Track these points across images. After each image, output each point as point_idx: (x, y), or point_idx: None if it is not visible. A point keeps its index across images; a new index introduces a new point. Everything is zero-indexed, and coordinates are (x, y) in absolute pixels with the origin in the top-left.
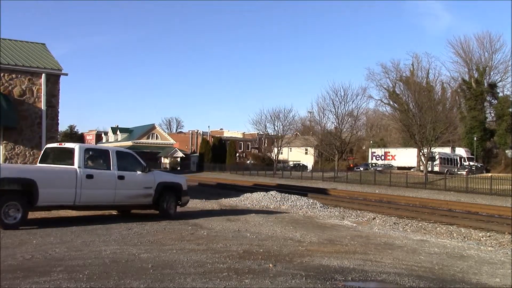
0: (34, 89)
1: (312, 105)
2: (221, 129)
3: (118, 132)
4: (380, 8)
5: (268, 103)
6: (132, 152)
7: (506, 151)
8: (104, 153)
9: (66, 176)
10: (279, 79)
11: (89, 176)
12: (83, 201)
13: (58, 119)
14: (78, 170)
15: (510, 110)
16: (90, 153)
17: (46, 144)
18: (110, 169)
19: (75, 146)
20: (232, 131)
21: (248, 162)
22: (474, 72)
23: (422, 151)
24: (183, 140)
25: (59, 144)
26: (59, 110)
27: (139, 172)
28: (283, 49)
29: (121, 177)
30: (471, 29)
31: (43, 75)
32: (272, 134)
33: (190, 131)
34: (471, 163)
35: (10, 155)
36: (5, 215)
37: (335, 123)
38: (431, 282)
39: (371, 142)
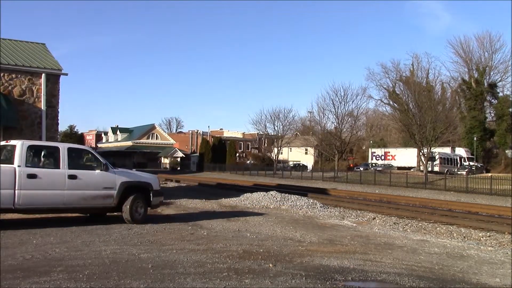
0: (34, 89)
1: (312, 105)
2: (221, 129)
3: (118, 132)
4: (380, 8)
5: (268, 103)
6: (89, 149)
7: (506, 151)
8: (54, 150)
9: (1, 176)
10: (279, 79)
11: (32, 176)
12: (24, 204)
13: (58, 119)
14: (17, 169)
15: (510, 110)
16: (36, 150)
17: None
18: (60, 168)
19: (17, 143)
20: (232, 131)
21: (248, 162)
22: (474, 72)
23: (422, 151)
24: (183, 140)
25: (6, 142)
26: (59, 110)
27: (97, 171)
28: (283, 49)
29: (72, 177)
30: (471, 29)
31: (43, 75)
32: (272, 134)
33: (190, 131)
34: (471, 163)
35: None
36: None
37: (335, 123)
38: (431, 282)
39: (371, 142)
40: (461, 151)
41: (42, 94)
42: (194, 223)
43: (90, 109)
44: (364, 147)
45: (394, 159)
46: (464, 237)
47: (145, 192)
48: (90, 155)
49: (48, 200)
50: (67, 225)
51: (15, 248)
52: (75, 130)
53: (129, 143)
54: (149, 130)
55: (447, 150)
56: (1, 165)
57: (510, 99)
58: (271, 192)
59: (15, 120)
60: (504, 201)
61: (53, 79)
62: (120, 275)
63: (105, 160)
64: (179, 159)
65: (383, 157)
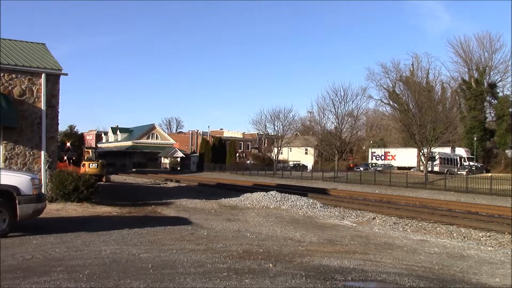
0: (34, 89)
1: (312, 105)
2: (221, 129)
3: (118, 132)
4: (380, 8)
5: (268, 103)
6: None
7: (506, 151)
8: None
9: None
10: (279, 79)
11: None
12: None
13: (58, 119)
14: None
15: (510, 110)
16: None
17: (46, 144)
18: None
19: None
20: (232, 131)
21: (248, 162)
22: (474, 72)
23: (422, 151)
24: (183, 140)
25: None
26: (59, 110)
27: None
28: (283, 49)
29: None
30: (471, 29)
31: (43, 75)
32: (272, 134)
33: (190, 131)
34: (471, 163)
35: (10, 155)
36: None
37: (335, 123)
38: (431, 282)
39: (371, 142)
40: (461, 151)
41: (42, 94)
42: (194, 223)
43: (90, 109)
44: (364, 147)
45: (394, 159)
46: (464, 237)
47: (9, 199)
48: None
49: None
50: (67, 225)
51: (15, 248)
52: (75, 130)
53: (129, 143)
54: (149, 130)
55: (447, 150)
56: None
57: (510, 99)
58: (271, 192)
59: (15, 120)
60: (504, 201)
61: (53, 79)
62: (120, 275)
63: None
64: (179, 159)
65: (383, 157)
